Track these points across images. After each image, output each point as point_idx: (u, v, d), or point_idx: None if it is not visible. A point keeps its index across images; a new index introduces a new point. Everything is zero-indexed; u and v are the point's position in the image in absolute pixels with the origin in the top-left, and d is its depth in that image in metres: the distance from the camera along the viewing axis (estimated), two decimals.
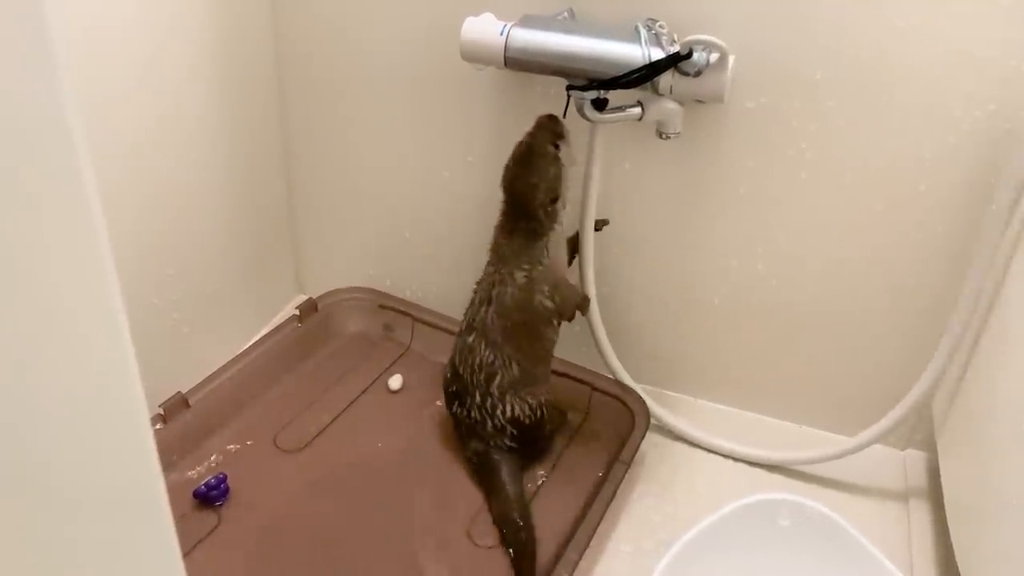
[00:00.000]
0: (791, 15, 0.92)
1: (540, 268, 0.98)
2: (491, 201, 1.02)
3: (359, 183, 1.25)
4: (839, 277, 1.05)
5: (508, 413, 1.00)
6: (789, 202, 1.02)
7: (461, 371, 1.01)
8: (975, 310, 0.91)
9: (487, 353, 0.99)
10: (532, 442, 1.04)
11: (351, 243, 1.32)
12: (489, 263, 1.01)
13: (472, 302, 1.02)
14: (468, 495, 1.02)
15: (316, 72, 1.19)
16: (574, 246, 1.07)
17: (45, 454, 0.29)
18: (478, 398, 1.00)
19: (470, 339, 1.00)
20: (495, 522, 0.98)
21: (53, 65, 0.25)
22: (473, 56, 0.99)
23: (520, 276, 0.98)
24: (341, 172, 1.26)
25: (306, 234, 1.34)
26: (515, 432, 1.01)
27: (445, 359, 1.07)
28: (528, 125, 0.99)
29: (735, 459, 1.12)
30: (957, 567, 0.86)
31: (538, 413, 1.02)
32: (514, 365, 0.99)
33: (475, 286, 1.03)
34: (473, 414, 1.01)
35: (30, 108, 0.25)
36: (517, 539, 0.95)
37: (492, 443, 1.02)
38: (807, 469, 1.10)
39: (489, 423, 1.01)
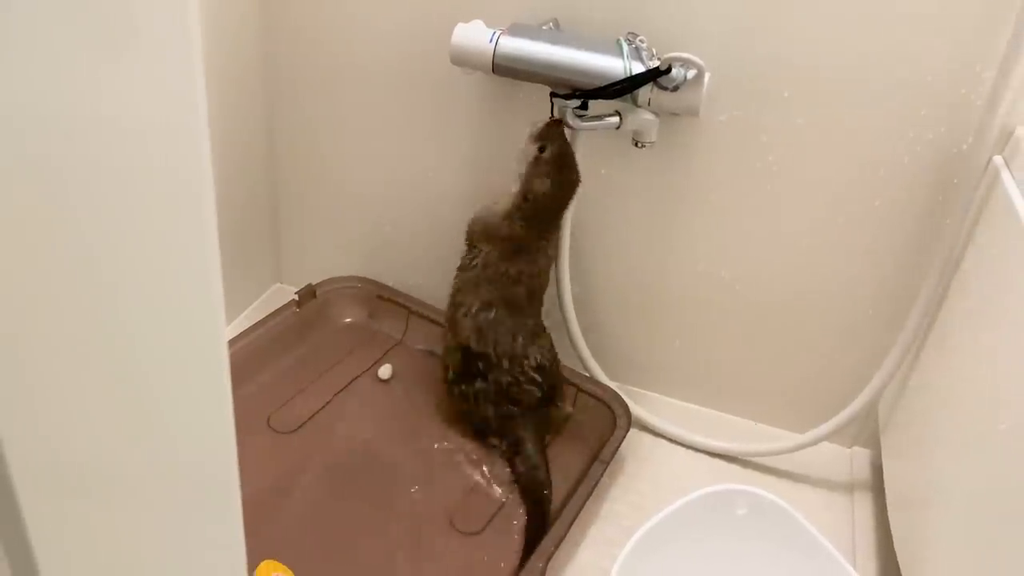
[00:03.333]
0: (764, 37, 0.98)
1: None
2: (472, 200, 1.06)
3: (343, 179, 1.29)
4: (799, 285, 1.11)
5: (535, 362, 1.08)
6: (755, 212, 1.09)
7: (480, 347, 1.08)
8: (922, 323, 0.99)
9: (507, 319, 1.07)
10: (556, 384, 1.13)
11: (332, 237, 1.35)
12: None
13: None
14: (451, 484, 1.07)
15: (303, 71, 1.22)
16: None
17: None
18: (506, 363, 1.08)
19: (491, 314, 1.07)
20: (520, 477, 1.07)
21: None
22: (462, 61, 1.03)
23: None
24: (325, 168, 1.29)
25: (289, 228, 1.37)
26: (541, 379, 1.09)
27: (437, 350, 1.13)
28: (511, 129, 1.04)
29: (696, 450, 1.19)
30: (895, 553, 0.93)
31: (552, 352, 1.12)
32: (529, 320, 1.09)
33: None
34: (503, 379, 1.08)
35: None
36: (543, 495, 1.05)
37: (520, 401, 1.09)
38: (762, 461, 1.17)
39: (522, 380, 1.08)
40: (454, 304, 1.11)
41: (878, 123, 0.99)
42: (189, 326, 0.34)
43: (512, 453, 1.09)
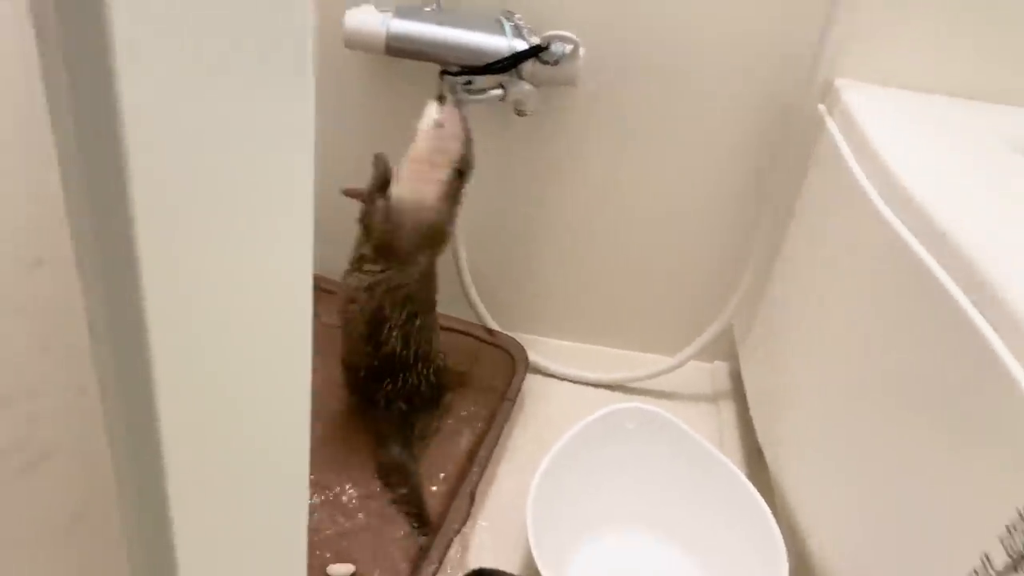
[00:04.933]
0: (622, 12, 1.13)
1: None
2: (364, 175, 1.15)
3: None
4: (662, 230, 1.29)
5: (436, 363, 1.10)
6: (623, 169, 1.24)
7: (393, 350, 1.04)
8: (767, 252, 1.18)
9: (428, 319, 1.07)
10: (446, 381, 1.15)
11: None
12: None
13: None
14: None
15: None
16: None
17: None
18: (420, 365, 1.07)
19: (417, 321, 1.04)
20: (385, 469, 1.07)
21: None
22: (356, 44, 1.11)
23: None
24: None
25: None
26: (438, 379, 1.11)
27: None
28: (401, 106, 1.12)
29: (585, 384, 1.35)
30: (759, 446, 1.13)
31: (441, 352, 1.13)
32: (426, 317, 1.08)
33: None
34: (411, 380, 1.07)
35: None
36: (413, 482, 1.06)
37: (417, 400, 1.09)
38: (642, 385, 1.35)
39: (424, 382, 1.09)
40: (376, 320, 1.03)
41: (723, 85, 1.16)
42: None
43: (386, 442, 1.09)
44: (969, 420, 0.66)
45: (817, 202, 1.08)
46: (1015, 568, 0.56)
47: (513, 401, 1.22)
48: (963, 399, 0.67)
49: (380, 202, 0.99)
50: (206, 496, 0.36)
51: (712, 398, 1.35)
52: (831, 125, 1.04)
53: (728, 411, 1.32)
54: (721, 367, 1.41)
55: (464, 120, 1.04)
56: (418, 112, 1.05)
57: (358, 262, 1.03)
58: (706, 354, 1.38)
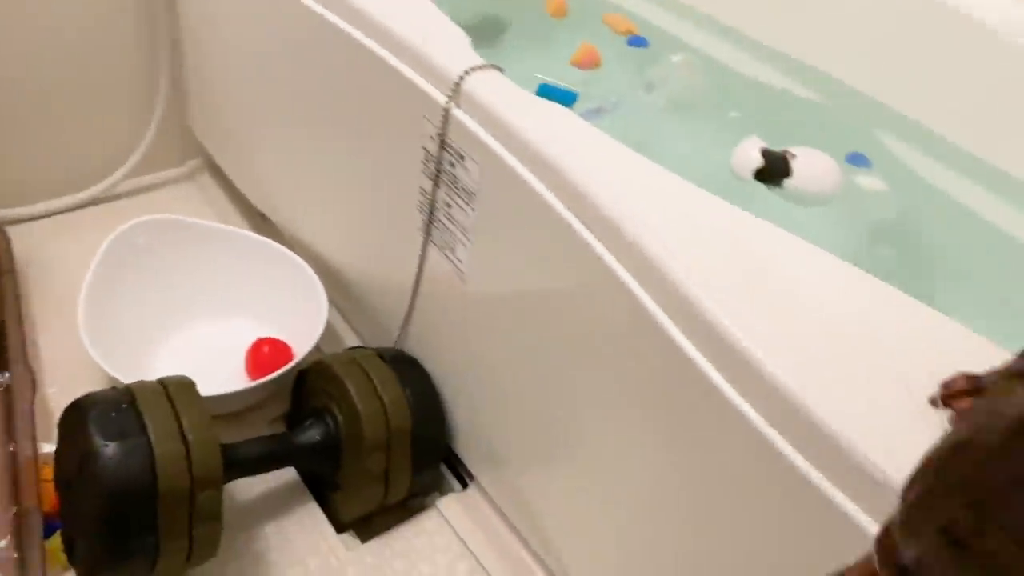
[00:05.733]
0: None
1: None
2: None
3: None
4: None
5: None
6: None
7: None
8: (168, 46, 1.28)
9: None
10: None
11: None
12: None
13: None
14: None
15: None
16: None
17: None
18: None
19: None
20: None
21: None
22: None
23: None
24: None
25: None
26: None
27: None
28: None
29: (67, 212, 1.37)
30: (260, 212, 1.31)
31: None
32: None
33: None
34: None
35: None
36: None
37: None
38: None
39: None
40: None
41: None
42: None
43: None
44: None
45: None
46: (437, 185, 0.83)
47: (12, 272, 1.20)
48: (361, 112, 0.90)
49: None
50: None
51: (204, 190, 1.47)
52: None
53: (216, 193, 1.46)
54: (194, 164, 1.51)
55: None
56: None
57: None
58: (173, 159, 1.47)
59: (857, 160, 1.19)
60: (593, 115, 1.10)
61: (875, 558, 0.37)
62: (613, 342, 0.70)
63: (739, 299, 0.61)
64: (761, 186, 1.11)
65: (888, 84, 1.22)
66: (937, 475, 0.34)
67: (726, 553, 0.65)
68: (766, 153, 1.12)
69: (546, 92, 1.09)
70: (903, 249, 1.13)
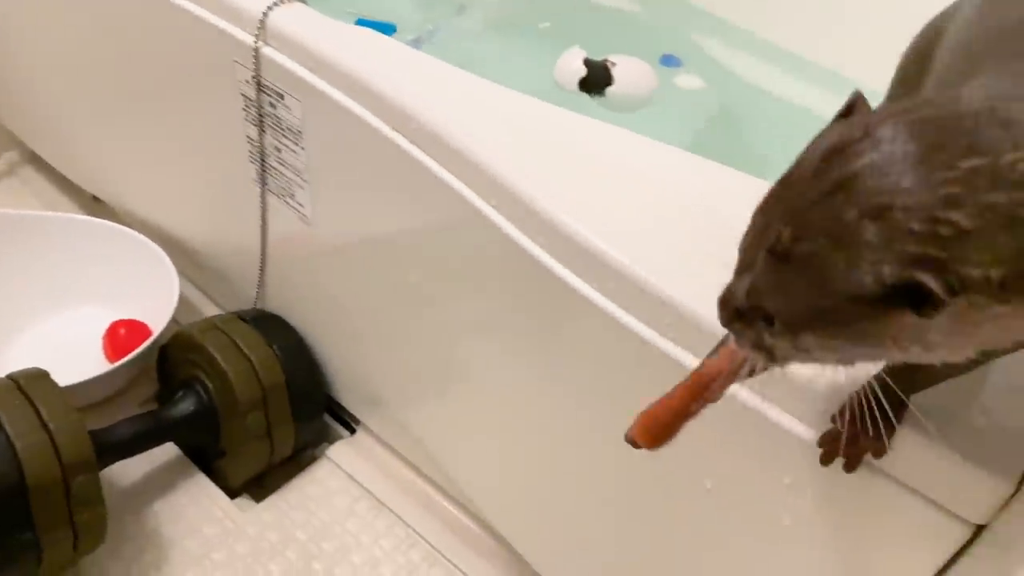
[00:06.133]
0: None
1: None
2: None
3: None
4: None
5: None
6: None
7: None
8: None
9: None
10: None
11: None
12: None
13: None
14: None
15: None
16: None
17: None
18: None
19: None
20: None
21: None
22: None
23: None
24: None
25: None
26: None
27: None
28: None
29: None
30: (92, 196, 1.25)
31: None
32: None
33: None
34: None
35: None
36: None
37: None
38: None
39: None
40: None
41: None
42: None
43: None
44: None
45: None
46: (262, 130, 0.82)
47: None
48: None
49: None
50: None
51: (28, 183, 1.39)
52: None
53: (42, 184, 1.38)
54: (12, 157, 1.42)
55: None
56: None
57: None
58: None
59: (669, 61, 1.25)
60: (413, 46, 1.11)
61: (719, 316, 0.41)
62: (459, 252, 0.72)
63: (572, 190, 0.64)
64: (585, 96, 1.15)
65: None
66: (766, 207, 0.39)
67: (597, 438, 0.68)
68: (588, 63, 1.16)
69: (363, 26, 1.09)
70: (730, 139, 1.19)
